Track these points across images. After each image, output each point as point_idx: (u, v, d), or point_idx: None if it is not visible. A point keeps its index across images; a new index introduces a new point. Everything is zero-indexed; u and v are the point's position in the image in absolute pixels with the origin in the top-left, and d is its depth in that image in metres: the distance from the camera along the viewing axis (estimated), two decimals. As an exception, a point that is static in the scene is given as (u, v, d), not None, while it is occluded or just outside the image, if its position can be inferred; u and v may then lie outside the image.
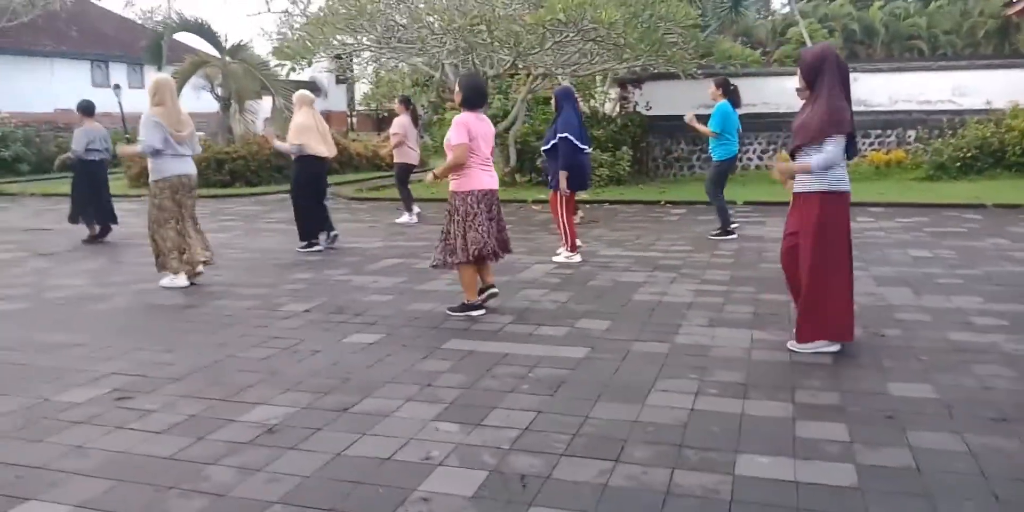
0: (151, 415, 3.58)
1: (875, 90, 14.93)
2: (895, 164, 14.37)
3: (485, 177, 5.26)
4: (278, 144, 8.16)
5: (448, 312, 5.31)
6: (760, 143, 15.72)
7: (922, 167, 14.06)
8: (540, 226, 9.67)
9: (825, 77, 4.24)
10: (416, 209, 10.53)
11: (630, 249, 7.81)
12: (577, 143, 7.13)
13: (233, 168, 16.06)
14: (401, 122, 10.30)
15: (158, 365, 4.32)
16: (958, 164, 13.48)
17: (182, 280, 6.36)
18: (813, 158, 4.21)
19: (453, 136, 5.14)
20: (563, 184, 7.10)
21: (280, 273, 6.91)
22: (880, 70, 15.46)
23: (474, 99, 5.25)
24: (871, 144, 15.20)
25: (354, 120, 36.17)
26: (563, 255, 7.28)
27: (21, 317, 5.53)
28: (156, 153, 6.15)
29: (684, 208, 11.36)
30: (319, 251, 8.03)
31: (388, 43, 12.43)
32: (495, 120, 16.02)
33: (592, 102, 17.66)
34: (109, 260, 7.92)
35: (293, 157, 8.22)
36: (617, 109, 16.78)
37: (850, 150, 4.28)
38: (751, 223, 9.33)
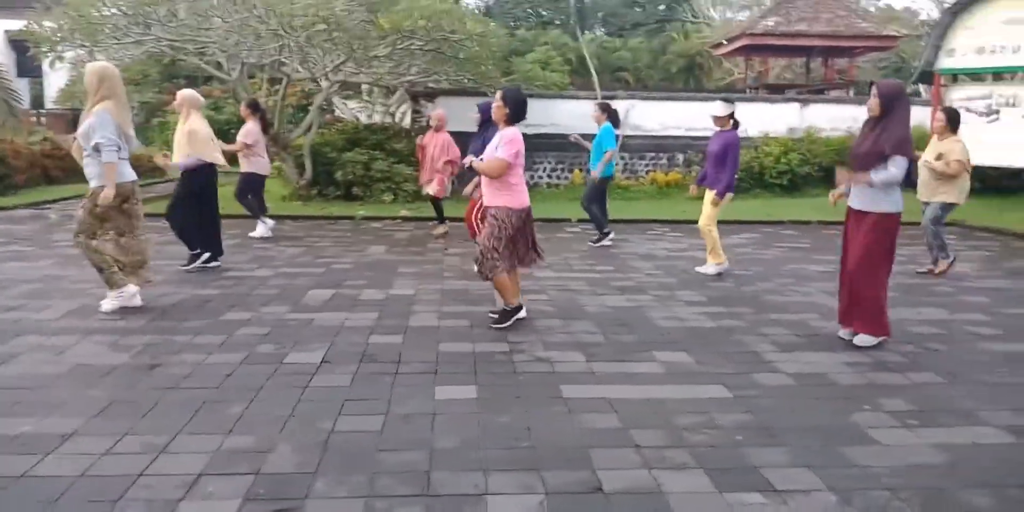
0: (367, 531, 2.58)
1: (648, 116, 16.19)
2: (674, 184, 15.70)
3: (526, 193, 5.22)
4: (175, 163, 7.04)
5: (494, 326, 5.22)
6: (550, 162, 16.20)
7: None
8: (415, 243, 8.94)
9: (898, 108, 4.61)
10: (270, 222, 9.51)
11: (557, 270, 7.51)
12: None
13: (-57, 177, 12.74)
14: (248, 129, 9.07)
15: (249, 455, 3.17)
16: (729, 185, 15.10)
17: (131, 292, 5.58)
18: (879, 173, 4.70)
19: (503, 152, 4.97)
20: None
21: (201, 313, 5.53)
22: (653, 98, 16.83)
23: (521, 114, 5.06)
24: (646, 165, 16.46)
25: (42, 120, 30.77)
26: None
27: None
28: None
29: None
30: (216, 267, 7.22)
31: (176, 32, 10.66)
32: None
33: (357, 113, 17.02)
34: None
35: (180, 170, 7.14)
36: (406, 122, 16.25)
37: (906, 180, 4.72)
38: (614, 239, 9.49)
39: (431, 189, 9.53)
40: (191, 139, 6.94)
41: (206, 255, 7.17)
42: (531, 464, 3.12)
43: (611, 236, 9.19)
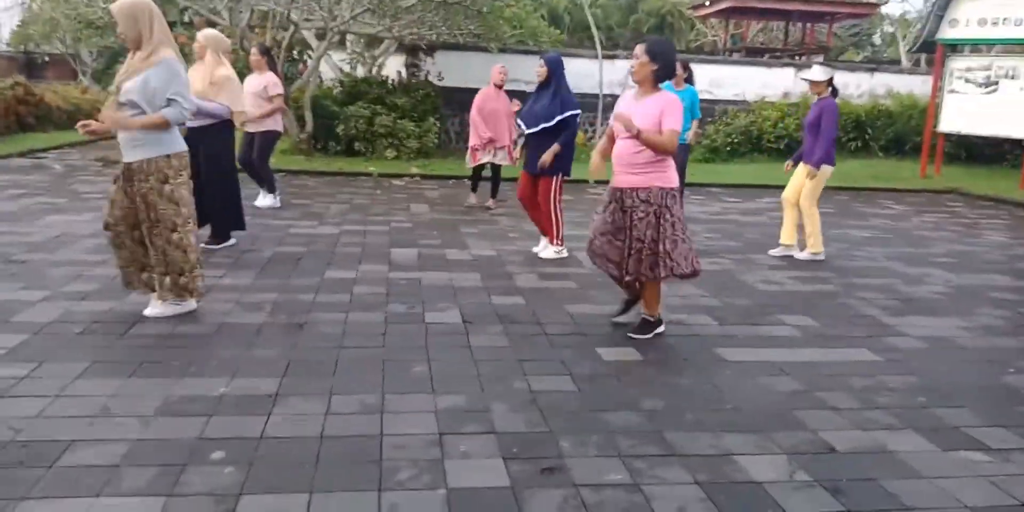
0: (648, 490, 2.63)
1: (648, 76, 16.18)
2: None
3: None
4: (204, 105, 5.70)
5: (632, 336, 4.29)
6: (549, 120, 16.07)
7: (695, 150, 15.63)
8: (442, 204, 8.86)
9: None
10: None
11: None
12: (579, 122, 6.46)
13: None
14: (276, 80, 7.92)
15: (472, 415, 3.17)
16: (728, 148, 15.31)
17: (192, 303, 4.42)
18: None
19: (672, 119, 4.04)
20: (546, 160, 6.04)
21: (302, 271, 5.42)
22: (652, 58, 16.77)
23: (671, 72, 4.20)
24: (644, 126, 16.50)
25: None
26: (551, 249, 6.32)
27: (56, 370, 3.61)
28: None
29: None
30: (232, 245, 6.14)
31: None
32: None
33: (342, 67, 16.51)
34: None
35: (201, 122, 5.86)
36: (402, 77, 15.88)
37: None
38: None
39: (500, 158, 8.45)
40: (225, 87, 5.90)
41: (232, 241, 6.19)
42: (749, 426, 3.20)
43: None
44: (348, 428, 3.00)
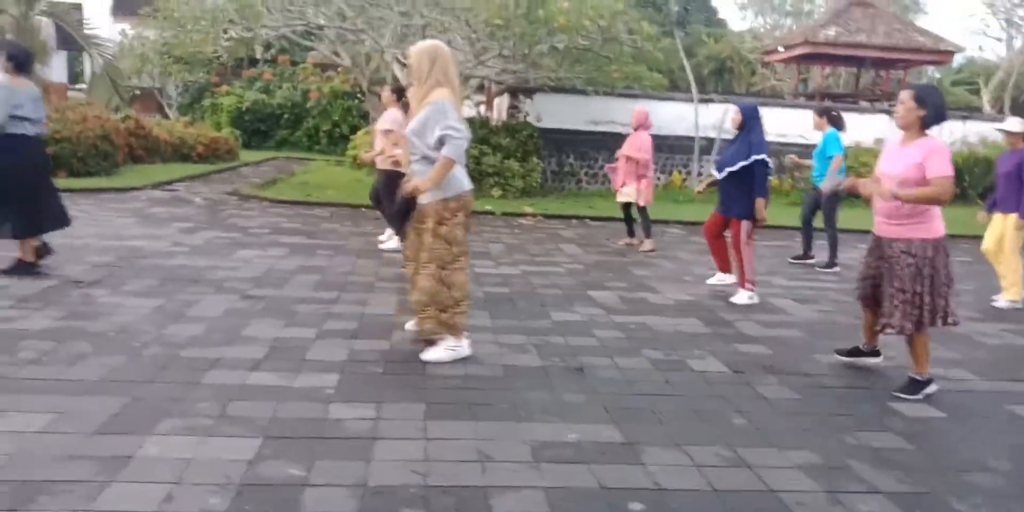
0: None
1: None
2: (772, 190, 15.84)
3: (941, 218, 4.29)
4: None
5: (898, 395, 4.16)
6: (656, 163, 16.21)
7: (792, 194, 15.67)
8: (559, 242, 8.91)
9: None
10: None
11: (794, 278, 7.57)
12: (771, 168, 6.57)
13: (57, 153, 12.34)
14: (395, 117, 7.36)
15: (821, 471, 3.16)
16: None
17: (466, 346, 4.41)
18: None
19: (938, 165, 4.00)
20: (763, 212, 6.34)
21: (528, 313, 5.48)
22: (746, 102, 16.89)
23: (941, 118, 4.08)
24: (736, 169, 16.55)
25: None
26: (744, 295, 6.33)
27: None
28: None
29: (677, 228, 11.32)
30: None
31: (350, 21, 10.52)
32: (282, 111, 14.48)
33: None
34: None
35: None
36: (502, 117, 16.15)
37: None
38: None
39: (637, 198, 8.71)
40: None
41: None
42: None
43: (837, 270, 8.27)
44: (730, 482, 3.00)
